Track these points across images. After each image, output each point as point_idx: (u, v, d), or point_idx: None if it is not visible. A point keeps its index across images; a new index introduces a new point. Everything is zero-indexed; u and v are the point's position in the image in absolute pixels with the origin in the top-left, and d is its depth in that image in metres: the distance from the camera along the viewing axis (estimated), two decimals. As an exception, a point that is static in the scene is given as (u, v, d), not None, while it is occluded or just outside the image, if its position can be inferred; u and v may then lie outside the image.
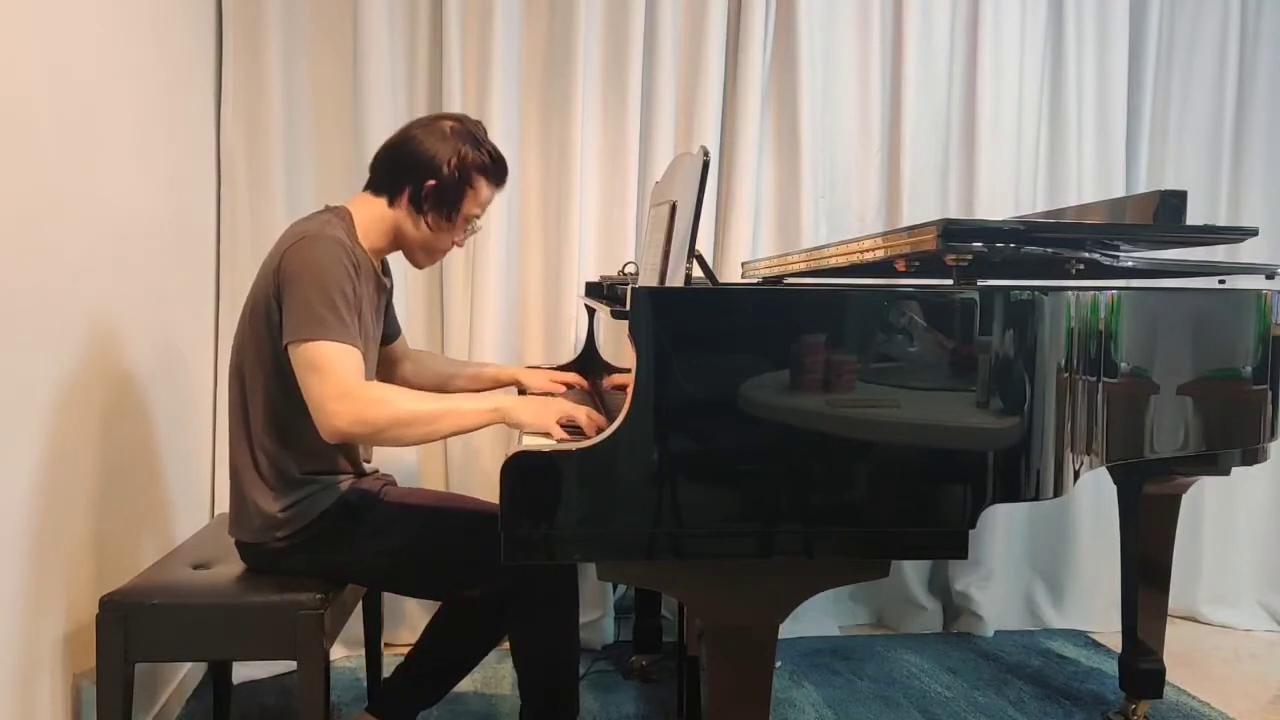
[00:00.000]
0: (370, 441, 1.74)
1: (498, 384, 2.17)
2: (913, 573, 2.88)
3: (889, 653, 2.72)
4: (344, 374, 1.54)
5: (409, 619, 2.60)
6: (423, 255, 1.81)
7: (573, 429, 1.54)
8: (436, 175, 1.71)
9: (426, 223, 1.74)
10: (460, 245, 1.85)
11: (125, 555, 1.92)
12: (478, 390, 2.14)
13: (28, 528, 1.54)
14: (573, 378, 2.19)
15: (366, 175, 1.80)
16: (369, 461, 1.87)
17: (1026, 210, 2.84)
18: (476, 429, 1.61)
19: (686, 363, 1.33)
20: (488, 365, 2.30)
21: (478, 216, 1.81)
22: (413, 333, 2.63)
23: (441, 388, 2.09)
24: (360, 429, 1.55)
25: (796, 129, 2.73)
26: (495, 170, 1.78)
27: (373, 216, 1.75)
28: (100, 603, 1.60)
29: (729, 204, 2.74)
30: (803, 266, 1.98)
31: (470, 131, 1.75)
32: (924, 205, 2.83)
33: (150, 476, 2.08)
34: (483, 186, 1.77)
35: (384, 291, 1.86)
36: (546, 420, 1.55)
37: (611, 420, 1.35)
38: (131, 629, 1.59)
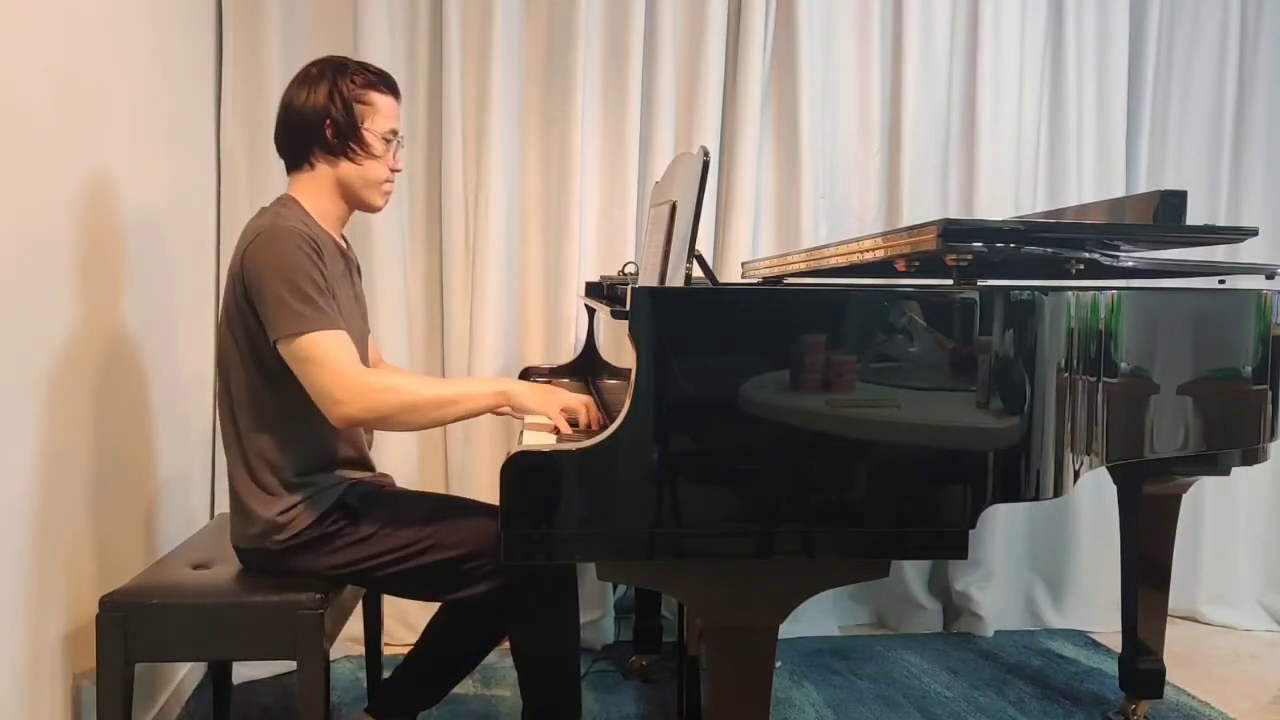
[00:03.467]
0: (380, 427, 1.72)
1: None
2: (913, 573, 2.87)
3: (889, 653, 2.71)
4: (341, 361, 1.55)
5: (409, 619, 2.60)
6: (369, 192, 1.76)
7: (573, 422, 1.58)
8: (326, 116, 1.69)
9: (348, 158, 1.71)
10: (397, 168, 1.80)
11: (125, 555, 1.92)
12: None
13: (27, 528, 1.54)
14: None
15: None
16: (364, 462, 1.86)
17: (1026, 210, 2.84)
18: (483, 411, 1.65)
19: (686, 363, 1.33)
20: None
21: (395, 131, 1.77)
22: (413, 333, 2.64)
23: None
24: (370, 415, 1.57)
25: (796, 129, 2.73)
26: (375, 80, 1.75)
27: (312, 190, 1.73)
28: (100, 603, 1.60)
29: (729, 204, 2.74)
30: (803, 266, 1.98)
31: (334, 62, 1.73)
32: (924, 205, 2.83)
33: (150, 476, 2.08)
34: (375, 99, 1.73)
35: (352, 266, 1.84)
36: (550, 408, 1.60)
37: (612, 421, 1.35)
38: (131, 629, 1.59)
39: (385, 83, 1.77)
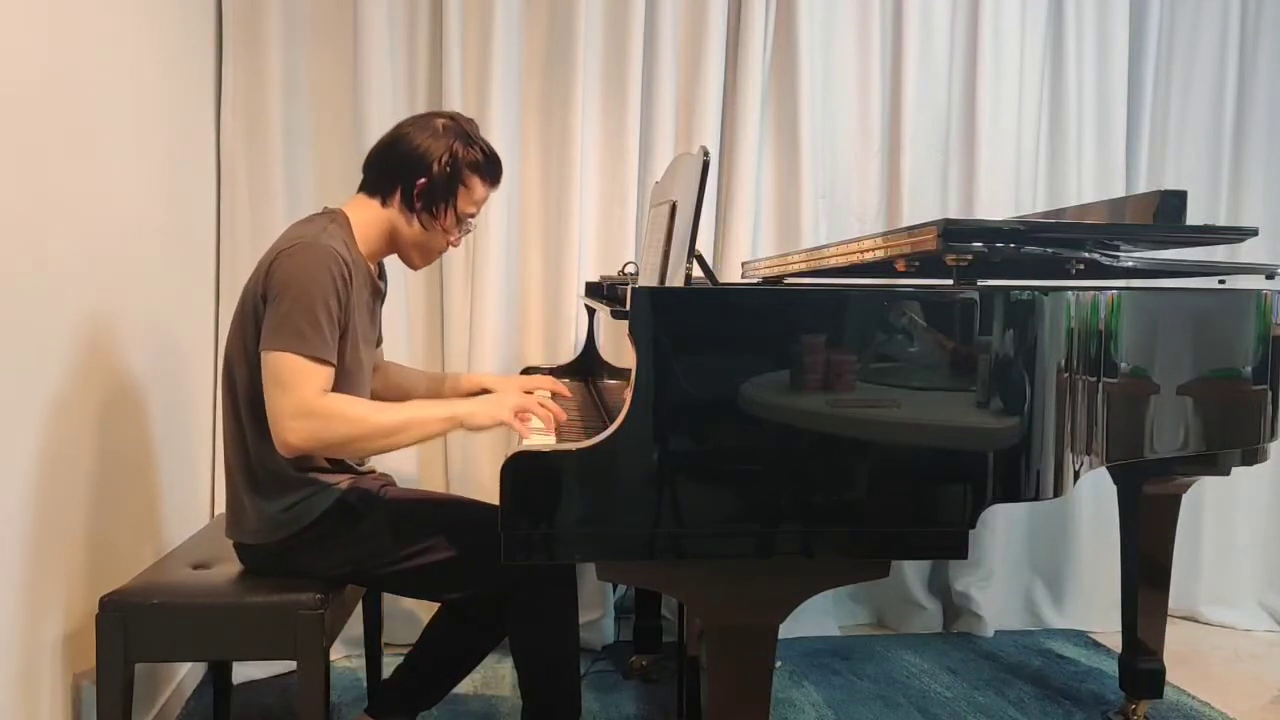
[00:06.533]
0: (326, 454, 1.71)
1: (468, 394, 2.11)
2: (913, 573, 2.87)
3: (889, 653, 2.71)
4: (305, 390, 1.53)
5: (409, 619, 2.60)
6: (418, 255, 1.79)
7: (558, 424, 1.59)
8: (427, 173, 1.69)
9: (420, 221, 1.72)
10: (455, 245, 1.83)
11: (125, 555, 1.92)
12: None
13: (27, 528, 1.54)
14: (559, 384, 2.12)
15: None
16: (362, 464, 1.86)
17: (1026, 210, 2.84)
18: (437, 436, 1.66)
19: (686, 362, 1.33)
20: (460, 377, 2.20)
21: (472, 215, 1.79)
22: (413, 333, 2.64)
23: (405, 399, 1.98)
24: (315, 445, 1.56)
25: (796, 129, 2.73)
26: (488, 167, 1.75)
27: (367, 219, 1.73)
28: (100, 603, 1.60)
29: (729, 204, 2.74)
30: (803, 266, 1.98)
31: (463, 128, 1.73)
32: (924, 205, 2.83)
33: (150, 476, 2.08)
34: (476, 184, 1.74)
35: (379, 296, 1.84)
36: (502, 414, 1.59)
37: (609, 421, 1.35)
38: (131, 629, 1.59)
39: (493, 173, 1.77)
